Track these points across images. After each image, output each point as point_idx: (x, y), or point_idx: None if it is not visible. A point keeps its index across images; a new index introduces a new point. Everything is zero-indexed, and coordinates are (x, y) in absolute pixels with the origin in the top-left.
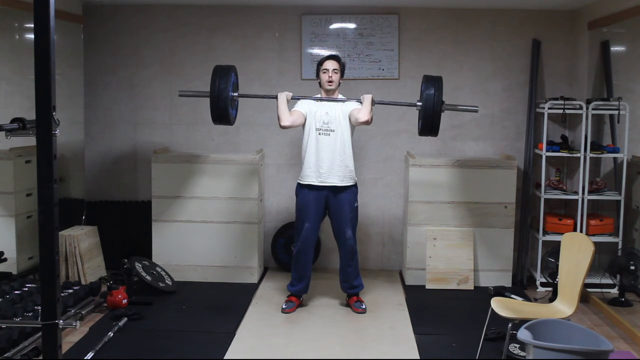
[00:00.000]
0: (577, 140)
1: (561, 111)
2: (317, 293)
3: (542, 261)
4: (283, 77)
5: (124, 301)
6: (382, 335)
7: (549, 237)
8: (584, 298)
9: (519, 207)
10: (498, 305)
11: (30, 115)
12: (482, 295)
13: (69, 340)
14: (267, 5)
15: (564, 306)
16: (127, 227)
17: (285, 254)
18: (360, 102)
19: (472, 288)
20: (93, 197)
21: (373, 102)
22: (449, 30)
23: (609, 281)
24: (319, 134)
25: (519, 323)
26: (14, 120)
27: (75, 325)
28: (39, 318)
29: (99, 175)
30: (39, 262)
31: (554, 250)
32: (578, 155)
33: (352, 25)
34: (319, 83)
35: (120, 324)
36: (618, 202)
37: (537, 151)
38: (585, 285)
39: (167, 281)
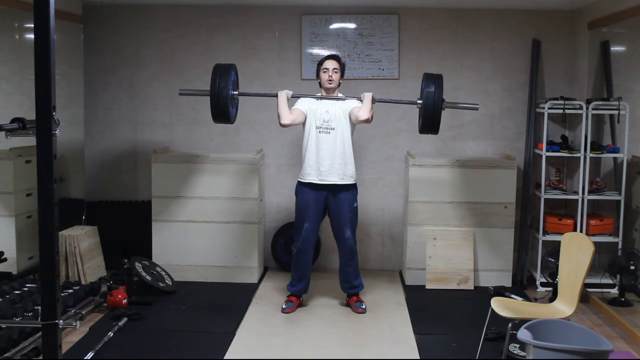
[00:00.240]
0: (577, 140)
1: (561, 111)
2: (317, 293)
3: (542, 261)
4: (283, 77)
5: (124, 301)
6: (382, 335)
7: (549, 237)
8: (584, 298)
9: (519, 207)
10: (498, 305)
11: (30, 115)
12: (482, 295)
13: (69, 340)
14: (267, 5)
15: (564, 306)
16: (127, 227)
17: (285, 254)
18: (361, 101)
19: (472, 288)
20: (93, 197)
21: (373, 100)
22: (449, 30)
23: (609, 281)
24: (319, 132)
25: (519, 323)
26: (14, 120)
27: (75, 325)
28: (39, 318)
29: (99, 175)
30: (39, 262)
31: (554, 250)
32: (578, 155)
33: (352, 25)
34: (319, 83)
35: (120, 324)
36: (618, 202)
37: (537, 151)
38: (585, 285)
39: (167, 281)
